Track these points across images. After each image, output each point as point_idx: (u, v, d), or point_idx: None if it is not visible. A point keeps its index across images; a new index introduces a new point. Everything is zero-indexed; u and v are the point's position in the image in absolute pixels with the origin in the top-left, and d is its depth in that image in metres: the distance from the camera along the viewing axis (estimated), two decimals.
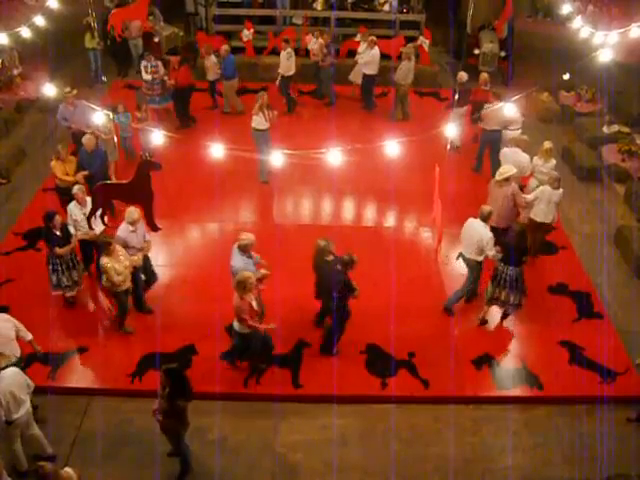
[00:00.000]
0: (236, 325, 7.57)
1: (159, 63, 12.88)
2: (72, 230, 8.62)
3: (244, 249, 7.88)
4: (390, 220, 11.13)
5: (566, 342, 8.67)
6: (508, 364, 8.39)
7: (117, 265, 7.93)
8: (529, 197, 9.51)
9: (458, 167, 12.01)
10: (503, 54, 15.47)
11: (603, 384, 8.11)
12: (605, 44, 10.14)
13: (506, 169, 9.28)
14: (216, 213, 10.94)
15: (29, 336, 7.17)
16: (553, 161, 10.31)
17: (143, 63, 12.86)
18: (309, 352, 8.31)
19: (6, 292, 9.09)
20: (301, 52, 14.90)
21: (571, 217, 11.08)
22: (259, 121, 11.13)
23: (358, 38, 15.38)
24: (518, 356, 8.49)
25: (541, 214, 9.49)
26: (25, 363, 7.93)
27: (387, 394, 7.92)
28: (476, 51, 15.59)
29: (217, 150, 7.99)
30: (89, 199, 8.94)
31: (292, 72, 13.72)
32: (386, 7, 15.92)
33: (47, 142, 10.98)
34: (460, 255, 8.83)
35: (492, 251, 8.35)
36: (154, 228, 9.68)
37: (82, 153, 9.89)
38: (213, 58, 13.49)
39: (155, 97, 13.05)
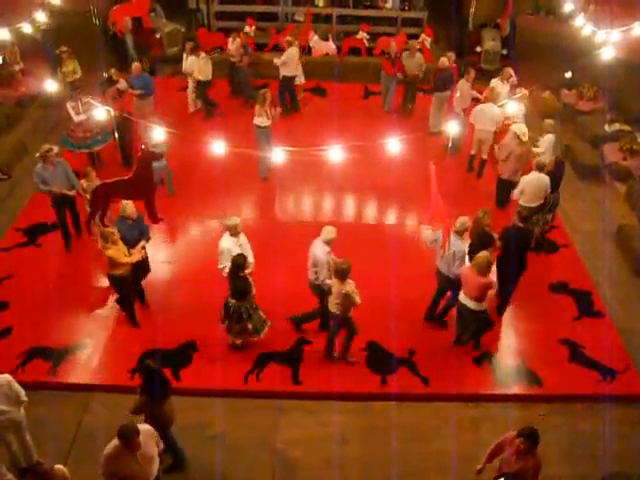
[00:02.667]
0: (474, 305, 7.85)
1: (87, 98, 10.62)
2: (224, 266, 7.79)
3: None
4: (391, 217, 11.13)
5: (566, 340, 8.67)
6: (508, 362, 8.40)
7: (353, 287, 7.52)
8: (541, 149, 10.47)
9: (455, 164, 12.04)
10: (505, 52, 15.46)
11: (603, 382, 8.12)
12: (607, 42, 10.14)
13: (525, 129, 10.23)
14: (217, 210, 10.92)
15: (161, 445, 6.18)
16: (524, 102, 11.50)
17: (71, 104, 10.72)
18: (309, 349, 8.32)
19: (6, 288, 9.10)
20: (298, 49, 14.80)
21: (572, 215, 11.06)
22: (261, 118, 11.13)
23: (360, 36, 15.40)
24: (518, 354, 8.49)
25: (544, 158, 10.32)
26: (25, 358, 8.03)
27: (387, 391, 7.93)
28: (478, 49, 15.58)
29: (217, 147, 7.99)
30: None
31: (210, 77, 13.12)
32: (388, 4, 15.90)
33: (48, 138, 10.93)
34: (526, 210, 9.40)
35: (549, 190, 9.58)
36: (155, 220, 9.68)
37: (121, 224, 8.34)
38: (124, 83, 11.69)
39: (97, 137, 11.01)
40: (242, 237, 8.01)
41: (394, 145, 8.18)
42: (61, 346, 8.24)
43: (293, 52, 13.24)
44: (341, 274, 7.40)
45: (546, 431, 7.54)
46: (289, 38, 13.39)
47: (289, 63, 13.28)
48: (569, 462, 7.27)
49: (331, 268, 7.71)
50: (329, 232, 7.77)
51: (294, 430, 7.55)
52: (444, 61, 12.69)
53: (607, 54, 9.80)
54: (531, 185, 9.54)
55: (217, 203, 10.99)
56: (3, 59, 13.79)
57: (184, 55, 13.17)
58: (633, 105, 13.52)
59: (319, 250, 7.76)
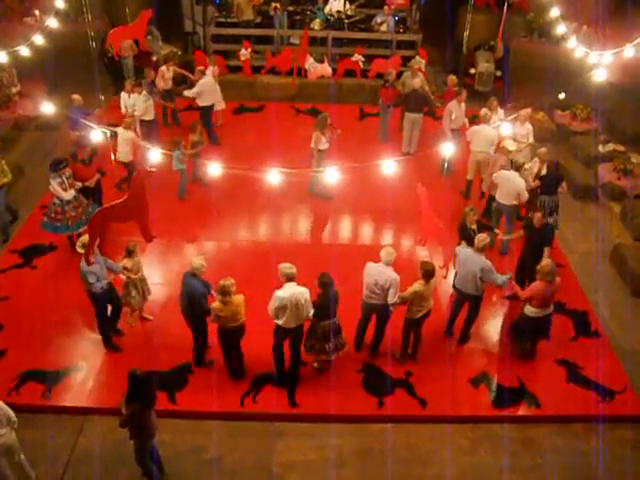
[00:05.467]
0: (547, 310, 8.07)
1: (69, 171, 9.79)
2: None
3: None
4: (387, 238, 11.11)
5: (564, 361, 8.65)
6: (506, 383, 8.35)
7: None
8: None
9: (450, 184, 12.08)
10: (499, 74, 15.63)
11: (601, 403, 8.08)
12: (599, 64, 10.24)
13: (510, 145, 10.52)
14: (212, 231, 10.94)
15: None
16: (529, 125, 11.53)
17: (56, 180, 9.56)
18: (305, 371, 8.27)
19: (1, 310, 9.05)
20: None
21: (567, 236, 11.10)
22: (321, 142, 11.24)
23: (355, 58, 15.54)
24: (516, 375, 8.45)
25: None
26: (19, 381, 7.96)
27: (384, 413, 7.87)
28: (472, 71, 15.74)
29: (214, 169, 7.98)
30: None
31: (152, 116, 12.44)
32: (383, 27, 16.07)
33: (45, 160, 10.91)
34: (497, 206, 10.12)
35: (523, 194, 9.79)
36: (149, 238, 9.64)
37: (192, 280, 7.74)
38: None
39: (88, 209, 9.94)
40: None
41: (390, 166, 8.21)
42: (55, 369, 8.18)
43: (208, 81, 12.67)
44: (431, 274, 7.80)
45: (546, 452, 7.53)
46: (200, 68, 12.94)
47: (204, 93, 12.66)
48: None
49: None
50: (390, 253, 7.87)
51: (291, 454, 7.47)
52: (417, 82, 12.85)
53: (599, 76, 9.89)
54: (503, 184, 9.84)
55: (210, 224, 11.00)
56: (0, 81, 13.88)
57: (122, 94, 12.35)
58: (626, 125, 13.65)
59: (390, 271, 7.81)
